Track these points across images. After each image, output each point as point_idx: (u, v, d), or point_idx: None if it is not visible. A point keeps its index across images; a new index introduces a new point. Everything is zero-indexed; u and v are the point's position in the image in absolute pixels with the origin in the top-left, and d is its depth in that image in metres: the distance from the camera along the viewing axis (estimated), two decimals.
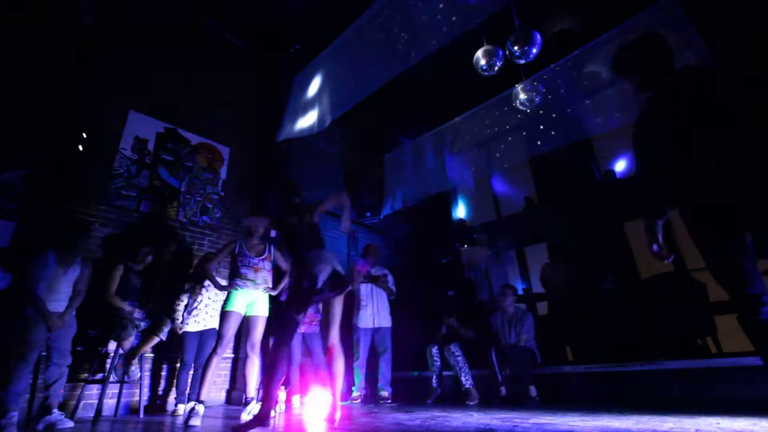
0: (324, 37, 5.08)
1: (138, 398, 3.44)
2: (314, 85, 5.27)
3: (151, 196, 4.29)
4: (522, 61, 4.22)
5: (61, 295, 2.97)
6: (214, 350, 3.01)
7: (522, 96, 4.87)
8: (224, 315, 3.15)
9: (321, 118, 4.91)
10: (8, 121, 3.43)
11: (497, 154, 6.72)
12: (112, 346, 3.34)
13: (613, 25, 4.93)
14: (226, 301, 3.21)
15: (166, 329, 3.43)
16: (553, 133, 5.49)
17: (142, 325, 3.38)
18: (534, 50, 4.09)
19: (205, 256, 4.09)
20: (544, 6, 5.46)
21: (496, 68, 4.42)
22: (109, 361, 3.33)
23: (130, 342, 3.28)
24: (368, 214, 6.65)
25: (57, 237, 3.09)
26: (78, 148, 3.84)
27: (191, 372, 3.56)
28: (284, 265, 3.65)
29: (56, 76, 3.82)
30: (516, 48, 4.15)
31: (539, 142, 5.62)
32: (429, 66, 5.71)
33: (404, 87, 6.26)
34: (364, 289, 4.37)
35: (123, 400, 3.49)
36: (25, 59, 3.68)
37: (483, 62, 4.39)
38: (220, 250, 3.52)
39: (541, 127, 5.55)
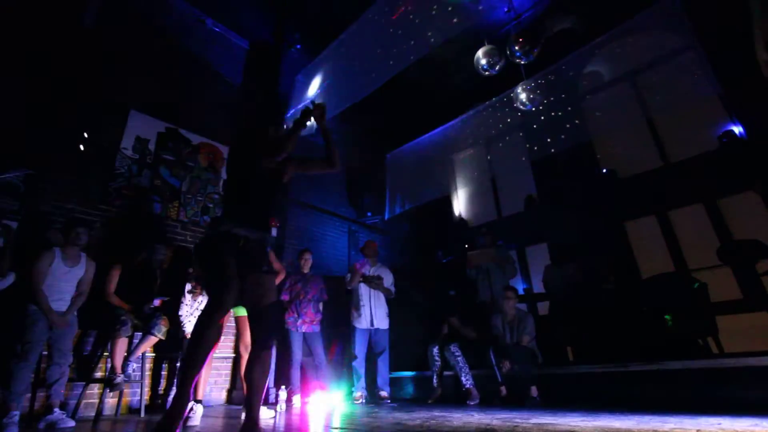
0: (325, 37, 5.09)
1: (139, 397, 3.44)
2: (314, 85, 5.28)
3: (152, 196, 4.30)
4: (523, 61, 4.22)
5: (64, 295, 2.98)
6: None
7: (522, 96, 4.87)
8: None
9: None
10: (9, 120, 3.44)
11: (498, 154, 6.73)
12: (114, 345, 3.33)
13: (614, 24, 4.93)
14: None
15: (165, 329, 3.43)
16: (554, 133, 5.49)
17: (159, 324, 3.36)
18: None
19: None
20: (545, 5, 5.46)
21: (497, 67, 4.42)
22: (112, 360, 3.32)
23: (124, 341, 3.27)
24: (369, 214, 6.65)
25: (63, 235, 3.10)
26: (79, 148, 3.84)
27: None
28: (277, 265, 3.65)
29: (57, 75, 3.83)
30: (516, 48, 4.16)
31: (540, 142, 5.62)
32: (429, 65, 5.72)
33: (404, 86, 6.28)
34: (363, 289, 4.37)
35: (124, 399, 3.49)
36: (26, 58, 3.69)
37: (484, 61, 4.40)
38: None
39: (542, 127, 5.54)
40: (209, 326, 1.70)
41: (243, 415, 1.78)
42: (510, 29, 4.72)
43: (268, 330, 1.86)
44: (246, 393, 1.78)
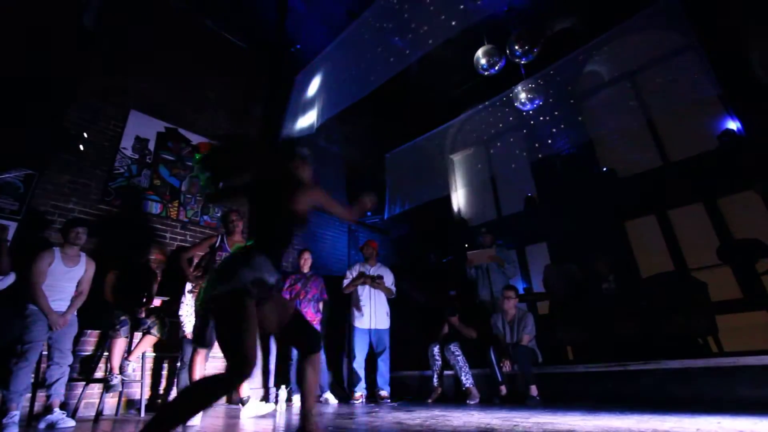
0: (324, 37, 5.09)
1: (139, 397, 3.44)
2: (314, 85, 5.28)
3: (151, 196, 4.30)
4: (523, 60, 4.22)
5: (63, 294, 2.98)
6: (195, 350, 2.95)
7: (522, 95, 4.87)
8: (198, 312, 3.02)
9: (320, 116, 4.93)
10: (10, 120, 3.44)
11: (498, 154, 6.73)
12: (113, 345, 3.34)
13: (614, 24, 4.93)
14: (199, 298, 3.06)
15: (165, 329, 3.43)
16: (553, 132, 5.49)
17: (147, 323, 3.37)
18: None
19: (183, 248, 4.03)
20: (545, 5, 5.46)
21: (497, 67, 4.42)
22: (109, 360, 3.32)
23: (123, 341, 3.27)
24: (368, 214, 6.65)
25: (62, 235, 3.10)
26: (79, 148, 3.84)
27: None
28: None
29: (57, 75, 3.82)
30: (516, 47, 4.16)
31: (540, 142, 5.62)
32: (429, 64, 5.72)
33: (404, 86, 6.28)
34: (362, 290, 4.37)
35: (124, 399, 3.49)
36: (27, 59, 3.69)
37: (483, 61, 4.40)
38: (199, 242, 3.50)
39: (542, 126, 5.55)
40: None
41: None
42: (510, 28, 4.72)
43: (312, 334, 1.74)
44: (302, 398, 1.69)
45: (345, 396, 4.38)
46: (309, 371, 1.69)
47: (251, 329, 1.48)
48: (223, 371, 1.41)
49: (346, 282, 4.42)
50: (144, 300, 3.55)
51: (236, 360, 1.43)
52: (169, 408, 1.40)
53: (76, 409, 3.10)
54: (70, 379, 3.04)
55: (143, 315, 3.41)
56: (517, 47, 4.31)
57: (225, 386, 1.44)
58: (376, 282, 4.35)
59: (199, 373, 3.02)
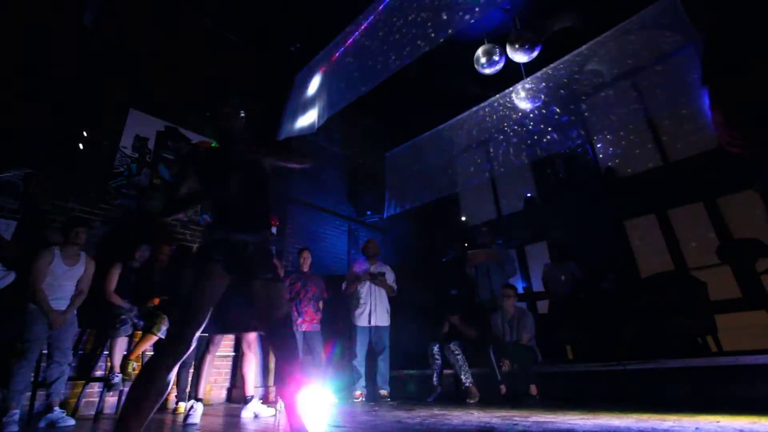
0: (324, 36, 5.08)
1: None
2: (314, 83, 5.27)
3: (151, 195, 4.29)
4: (523, 58, 4.21)
5: (63, 293, 2.98)
6: (207, 348, 3.00)
7: (522, 95, 4.87)
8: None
9: (320, 115, 4.92)
10: (9, 119, 3.43)
11: (498, 154, 6.72)
12: (114, 344, 3.33)
13: (614, 24, 4.92)
14: None
15: (164, 328, 3.43)
16: (554, 132, 5.48)
17: (141, 323, 3.37)
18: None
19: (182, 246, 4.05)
20: (544, 4, 5.45)
21: (497, 66, 4.42)
22: (110, 359, 3.32)
23: (124, 340, 3.27)
24: (368, 213, 6.65)
25: (62, 234, 3.10)
26: (79, 147, 3.84)
27: (191, 371, 3.56)
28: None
29: (57, 74, 3.82)
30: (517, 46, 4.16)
31: (540, 141, 5.62)
32: (429, 64, 5.70)
33: (404, 85, 6.27)
34: (363, 287, 4.37)
35: (124, 398, 3.49)
36: (26, 58, 3.68)
37: (484, 60, 4.40)
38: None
39: (542, 126, 5.54)
40: (167, 370, 1.45)
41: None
42: (510, 28, 4.72)
43: (289, 342, 1.66)
44: (288, 411, 1.61)
45: (345, 395, 4.38)
46: (291, 386, 1.61)
47: (203, 292, 1.51)
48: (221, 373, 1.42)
49: (346, 285, 4.43)
50: (145, 299, 3.54)
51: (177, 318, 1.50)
52: (129, 395, 1.45)
53: (76, 408, 3.10)
54: (71, 378, 3.04)
55: (143, 314, 3.41)
56: (517, 46, 4.31)
57: (164, 360, 1.47)
58: (377, 279, 4.34)
59: (207, 373, 3.04)
